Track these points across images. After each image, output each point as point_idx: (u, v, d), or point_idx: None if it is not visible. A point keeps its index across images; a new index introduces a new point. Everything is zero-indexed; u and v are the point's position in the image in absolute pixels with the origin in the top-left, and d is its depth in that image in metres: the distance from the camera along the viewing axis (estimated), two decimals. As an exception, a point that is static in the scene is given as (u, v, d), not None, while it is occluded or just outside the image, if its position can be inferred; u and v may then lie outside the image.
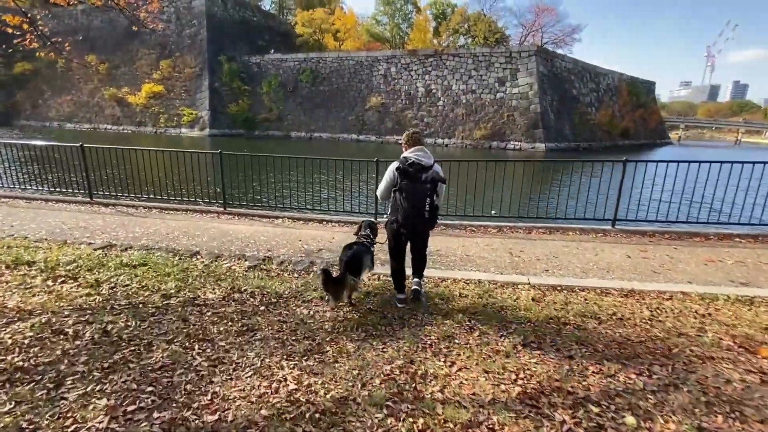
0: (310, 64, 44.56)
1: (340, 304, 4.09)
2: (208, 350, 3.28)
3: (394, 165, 3.87)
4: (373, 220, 5.00)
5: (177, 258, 5.42)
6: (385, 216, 4.94)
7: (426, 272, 4.56)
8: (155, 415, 2.53)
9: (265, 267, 5.19)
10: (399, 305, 4.12)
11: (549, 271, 5.25)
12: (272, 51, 47.85)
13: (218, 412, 2.57)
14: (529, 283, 4.76)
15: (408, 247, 4.26)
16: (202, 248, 5.90)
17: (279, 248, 6.05)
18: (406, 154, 3.92)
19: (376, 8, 53.69)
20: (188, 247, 5.97)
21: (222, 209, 8.17)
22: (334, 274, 3.94)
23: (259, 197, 9.12)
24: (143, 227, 6.98)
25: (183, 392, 2.75)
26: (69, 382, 2.80)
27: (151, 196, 8.67)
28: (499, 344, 3.45)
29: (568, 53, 44.43)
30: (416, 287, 4.25)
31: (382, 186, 4.04)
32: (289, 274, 5.03)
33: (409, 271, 4.46)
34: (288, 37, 54.33)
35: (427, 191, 3.73)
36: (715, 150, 52.75)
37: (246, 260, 5.36)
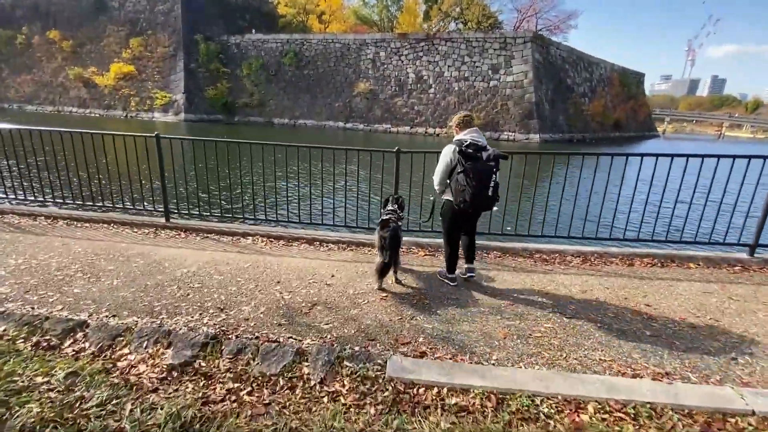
0: (293, 46, 41.06)
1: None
2: None
3: (450, 148, 3.72)
4: (399, 195, 4.47)
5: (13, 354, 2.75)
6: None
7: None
8: None
9: (203, 369, 2.56)
10: (452, 284, 3.99)
11: (736, 360, 2.82)
12: (253, 31, 44.00)
13: None
14: (753, 412, 2.30)
15: None
16: (99, 308, 3.24)
17: (240, 303, 3.44)
18: (460, 136, 3.77)
19: (363, -11, 50.19)
20: (76, 303, 3.29)
21: (163, 221, 5.44)
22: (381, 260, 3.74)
23: (226, 203, 6.36)
24: (26, 254, 4.24)
25: None
26: None
27: (62, 200, 5.82)
28: None
29: (564, 41, 42.15)
30: (471, 273, 4.12)
31: (438, 173, 3.83)
32: (254, 389, 2.42)
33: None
34: (270, 17, 50.31)
35: (493, 169, 3.58)
36: (717, 144, 51.87)
37: (169, 347, 2.71)
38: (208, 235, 5.18)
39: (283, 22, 48.80)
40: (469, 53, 37.13)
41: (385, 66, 38.96)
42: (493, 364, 2.69)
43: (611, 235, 4.87)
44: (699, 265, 4.51)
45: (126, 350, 2.65)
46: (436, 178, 3.82)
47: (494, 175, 3.57)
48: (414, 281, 4.09)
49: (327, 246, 4.97)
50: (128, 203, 5.77)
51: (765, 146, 45.72)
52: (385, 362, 2.58)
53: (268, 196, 7.64)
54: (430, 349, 2.85)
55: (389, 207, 4.21)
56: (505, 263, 4.59)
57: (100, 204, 5.68)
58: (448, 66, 37.67)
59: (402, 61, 38.69)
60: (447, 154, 3.72)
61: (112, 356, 2.62)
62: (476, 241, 4.24)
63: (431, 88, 37.73)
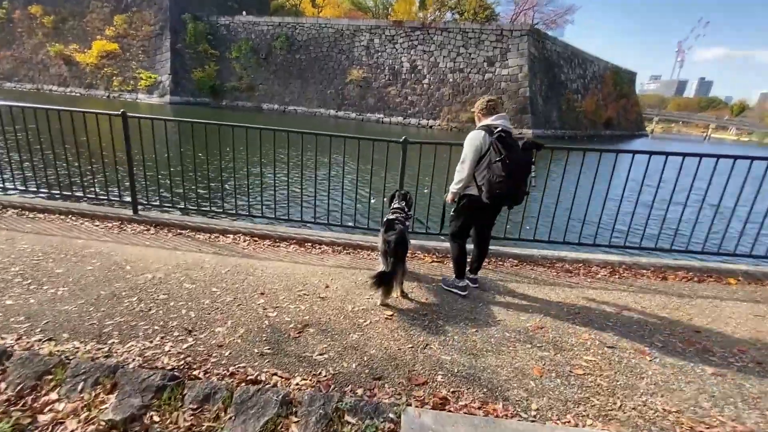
0: (285, 30, 39.60)
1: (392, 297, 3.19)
2: None
3: (480, 134, 3.17)
4: (407, 190, 3.90)
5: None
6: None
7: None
8: None
9: (155, 429, 1.89)
10: (462, 294, 3.44)
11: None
12: (244, 13, 42.29)
13: None
14: None
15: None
16: (33, 328, 2.54)
17: (214, 322, 2.78)
18: (488, 121, 3.22)
19: (358, -26, 48.58)
20: (4, 320, 2.59)
21: (130, 213, 4.69)
22: (383, 268, 3.11)
23: (205, 195, 5.60)
24: (-50, 254, 3.49)
25: None
26: None
27: (13, 185, 5.01)
28: None
29: (559, 36, 41.57)
30: (476, 285, 3.63)
31: (466, 164, 3.21)
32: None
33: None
34: (262, 0, 48.51)
35: (531, 159, 3.17)
36: (705, 145, 52.22)
37: (113, 392, 2.03)
38: (182, 231, 4.47)
39: (275, 5, 47.09)
40: (464, 44, 36.37)
41: (379, 54, 37.91)
42: (534, 418, 2.10)
43: (641, 244, 4.29)
44: (739, 280, 3.99)
45: (54, 395, 1.98)
46: (463, 169, 3.23)
47: (534, 165, 3.18)
48: (422, 294, 3.47)
49: (320, 248, 4.31)
50: (90, 191, 4.98)
51: (755, 148, 46.30)
52: (399, 416, 1.97)
53: (253, 188, 6.84)
54: (453, 392, 2.24)
55: (395, 204, 3.67)
56: (523, 273, 4.00)
57: (57, 192, 4.87)
58: (443, 56, 36.87)
59: (396, 50, 37.70)
60: (475, 139, 3.18)
61: (34, 404, 1.94)
62: (488, 248, 3.67)
63: (425, 79, 36.90)
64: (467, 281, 3.57)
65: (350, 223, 4.59)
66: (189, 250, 4.04)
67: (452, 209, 3.46)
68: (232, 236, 4.42)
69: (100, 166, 5.07)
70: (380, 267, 3.19)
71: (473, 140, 3.18)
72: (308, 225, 4.81)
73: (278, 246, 4.30)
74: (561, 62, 40.07)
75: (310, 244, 4.37)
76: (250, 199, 4.90)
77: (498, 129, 3.12)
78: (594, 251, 4.52)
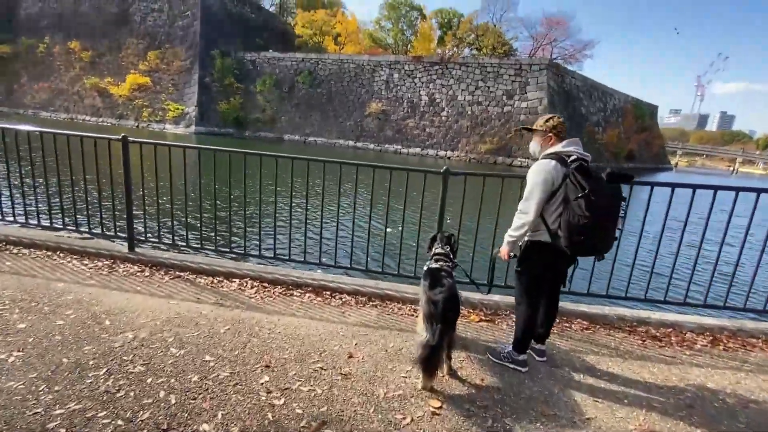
0: (308, 65, 40.65)
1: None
2: None
3: (550, 164, 2.42)
4: (450, 232, 3.10)
5: None
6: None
7: None
8: None
9: None
10: (522, 370, 2.66)
11: None
12: (270, 51, 43.79)
13: None
14: None
15: None
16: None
17: (199, 414, 2.02)
18: (560, 148, 2.48)
19: (380, 13, 50.16)
20: None
21: (126, 250, 4.05)
22: (426, 338, 2.31)
23: (210, 230, 4.96)
24: None
25: None
26: None
27: (4, 213, 4.46)
28: None
29: (578, 70, 41.39)
30: (543, 358, 2.83)
31: (533, 201, 2.44)
32: None
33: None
34: (287, 37, 50.35)
35: (620, 194, 2.39)
36: (733, 178, 50.31)
37: None
38: (181, 273, 3.78)
39: (299, 42, 48.70)
40: (483, 78, 36.49)
41: (398, 87, 38.32)
42: None
43: (747, 304, 3.37)
44: None
45: None
46: (528, 210, 2.48)
47: (622, 202, 2.40)
48: (474, 370, 2.64)
49: (340, 298, 3.55)
50: (84, 224, 4.38)
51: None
52: None
53: (265, 225, 6.30)
54: None
55: (437, 249, 2.95)
56: (599, 340, 3.13)
57: (48, 223, 4.30)
58: (462, 90, 36.98)
59: (415, 84, 38.06)
60: (544, 171, 2.43)
61: None
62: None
63: (444, 111, 36.89)
64: (530, 353, 2.74)
65: (376, 268, 3.81)
66: (186, 298, 3.34)
67: (516, 263, 2.67)
68: (238, 281, 3.70)
69: (99, 195, 4.52)
70: (422, 335, 2.40)
71: (542, 172, 2.43)
72: (327, 268, 4.07)
73: (291, 294, 3.56)
74: (581, 95, 39.70)
75: (328, 292, 3.61)
76: (262, 236, 4.22)
77: (572, 158, 2.43)
78: (682, 310, 3.62)
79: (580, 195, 2.26)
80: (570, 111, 37.74)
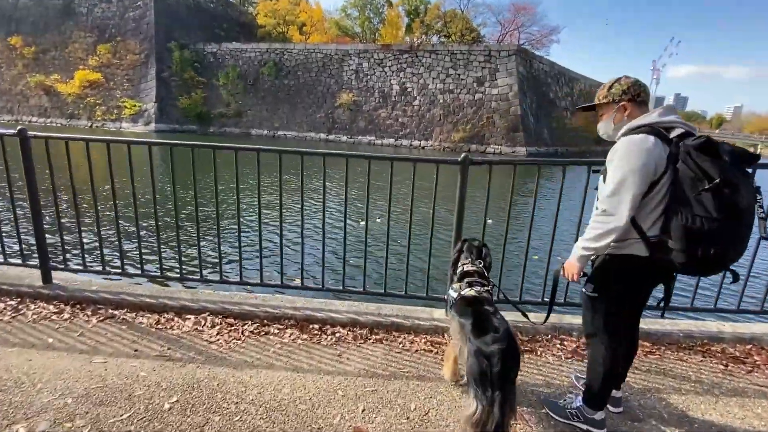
0: (273, 56, 38.73)
1: None
2: None
3: (647, 142, 1.61)
4: (481, 241, 2.34)
5: None
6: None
7: None
8: None
9: None
10: None
11: None
12: (232, 42, 41.43)
13: None
14: None
15: None
16: None
17: None
18: (656, 118, 1.69)
19: (345, 0, 48.44)
20: None
21: (39, 282, 3.00)
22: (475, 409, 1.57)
23: (149, 254, 3.92)
24: None
25: None
26: None
27: None
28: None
29: (545, 55, 41.55)
30: (618, 408, 2.08)
31: (625, 197, 1.63)
32: None
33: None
34: (249, 28, 47.87)
35: (755, 185, 1.58)
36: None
37: None
38: (116, 312, 2.79)
39: (262, 32, 46.41)
40: (453, 65, 35.92)
41: (369, 77, 37.19)
42: None
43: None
44: None
45: None
46: (618, 208, 1.65)
47: (759, 196, 1.58)
48: (536, 441, 1.85)
49: (334, 333, 2.68)
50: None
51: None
52: None
53: (226, 238, 5.27)
54: None
55: (467, 266, 2.17)
56: (670, 368, 2.42)
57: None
58: (433, 78, 36.31)
59: (386, 73, 37.05)
60: (643, 152, 1.61)
61: None
62: None
63: (416, 100, 36.12)
64: (608, 408, 1.99)
65: (376, 288, 2.96)
66: (118, 352, 2.38)
67: (586, 284, 1.89)
68: (193, 318, 2.76)
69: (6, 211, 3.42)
70: (473, 406, 1.58)
71: (639, 153, 1.61)
72: (312, 293, 3.18)
73: (266, 333, 2.66)
74: (549, 81, 39.89)
75: (317, 326, 2.73)
76: (226, 255, 3.27)
77: (677, 132, 1.64)
78: (743, 317, 2.98)
79: (706, 187, 1.48)
80: (539, 96, 37.83)
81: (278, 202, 2.98)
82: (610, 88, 1.85)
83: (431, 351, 2.57)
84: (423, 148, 34.56)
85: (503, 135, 33.77)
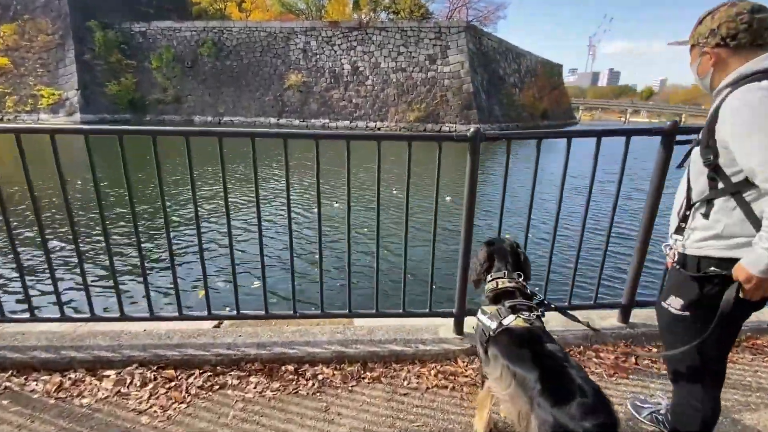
0: (211, 35, 35.67)
1: None
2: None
3: None
4: (512, 239, 1.73)
5: None
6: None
7: None
8: None
9: None
10: None
11: None
12: (164, 21, 37.55)
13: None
14: None
15: None
16: None
17: None
18: None
19: (286, -24, 45.42)
20: None
21: None
22: None
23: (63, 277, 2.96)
24: None
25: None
26: None
27: None
28: None
29: (493, 32, 41.70)
30: None
31: None
32: None
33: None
34: (181, 4, 43.73)
35: None
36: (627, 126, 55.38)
37: None
38: (-6, 379, 1.92)
39: (197, 9, 42.60)
40: (404, 43, 35.08)
41: (318, 56, 35.42)
42: None
43: None
44: None
45: None
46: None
47: None
48: None
49: (315, 376, 1.99)
50: None
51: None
52: None
53: (155, 252, 4.39)
54: None
55: (500, 279, 1.59)
56: (739, 380, 1.99)
57: None
58: (384, 56, 35.30)
59: (335, 51, 35.45)
60: None
61: None
62: None
63: (368, 80, 35.01)
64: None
65: (364, 307, 2.29)
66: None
67: (675, 300, 1.33)
68: (114, 375, 1.95)
69: None
70: None
71: None
72: (280, 319, 2.44)
73: (222, 387, 1.92)
74: (498, 57, 40.18)
75: (291, 367, 2.03)
76: (157, 276, 2.44)
77: None
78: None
79: None
80: (489, 73, 38.06)
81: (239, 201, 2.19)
82: (699, 23, 1.28)
83: (446, 387, 1.97)
84: (379, 129, 33.75)
85: (457, 113, 33.72)
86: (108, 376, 1.96)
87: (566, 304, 2.29)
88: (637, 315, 2.41)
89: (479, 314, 1.57)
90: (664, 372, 2.09)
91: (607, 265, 2.33)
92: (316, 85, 34.78)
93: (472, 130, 1.95)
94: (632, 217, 8.08)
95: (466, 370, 2.08)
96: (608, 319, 2.39)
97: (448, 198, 10.70)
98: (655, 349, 2.27)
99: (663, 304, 1.39)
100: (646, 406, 1.77)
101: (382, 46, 34.92)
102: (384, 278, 4.42)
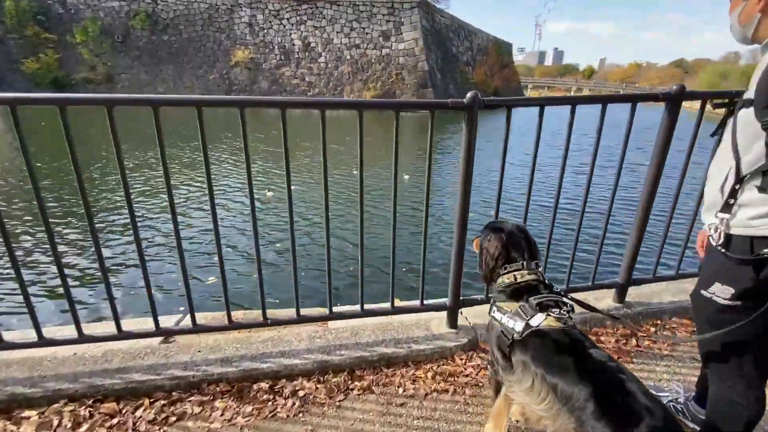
0: (144, 6, 32.42)
1: None
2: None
3: None
4: (517, 222, 1.46)
5: None
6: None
7: None
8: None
9: None
10: None
11: None
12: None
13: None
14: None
15: None
16: None
17: None
18: None
19: (225, -58, 41.73)
20: None
21: None
22: None
23: None
24: None
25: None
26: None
27: None
28: None
29: (445, 8, 41.35)
30: None
31: None
32: None
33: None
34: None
35: None
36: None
37: None
38: None
39: (125, -23, 38.24)
40: (357, 18, 33.96)
41: (266, 31, 33.43)
42: None
43: None
44: None
45: None
46: None
47: None
48: None
49: (295, 393, 1.68)
50: None
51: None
52: None
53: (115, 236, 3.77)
54: None
55: (521, 273, 1.33)
56: None
57: None
58: (337, 32, 34.02)
59: (284, 26, 33.62)
60: None
61: None
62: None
63: (321, 57, 33.67)
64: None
65: (350, 309, 2.00)
66: None
67: (726, 290, 1.15)
68: (36, 417, 1.52)
69: None
70: None
71: None
72: (250, 328, 2.08)
73: (181, 417, 1.56)
74: (451, 35, 40.12)
75: (265, 385, 1.71)
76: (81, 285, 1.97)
77: None
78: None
79: None
80: (443, 51, 37.96)
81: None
82: None
83: (446, 391, 1.74)
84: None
85: (413, 92, 33.45)
86: (28, 419, 1.53)
87: (564, 286, 2.13)
88: (630, 293, 2.32)
89: (494, 312, 1.33)
90: (666, 353, 2.00)
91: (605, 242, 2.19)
92: (266, 62, 32.92)
93: (469, 96, 1.67)
94: (630, 192, 8.17)
95: (465, 369, 1.87)
96: (604, 300, 2.27)
97: (406, 176, 10.44)
98: (652, 329, 2.18)
99: (704, 293, 1.21)
100: (663, 394, 1.65)
101: (334, 21, 33.55)
102: (367, 271, 4.15)
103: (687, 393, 1.63)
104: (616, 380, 0.99)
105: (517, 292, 1.30)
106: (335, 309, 1.97)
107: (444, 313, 2.04)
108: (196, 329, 1.83)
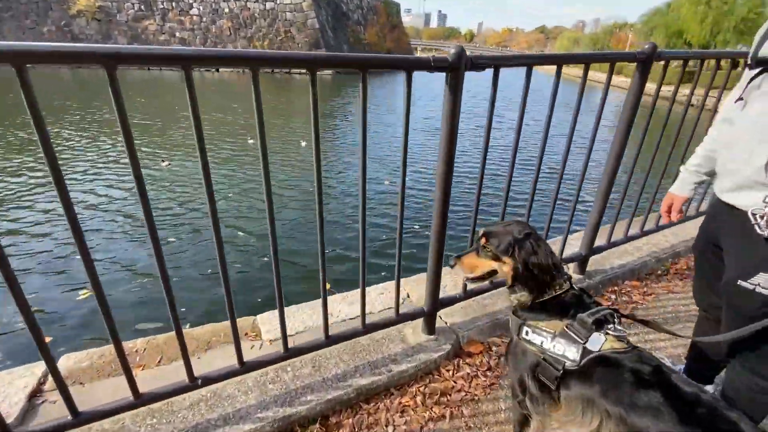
0: None
1: None
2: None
3: None
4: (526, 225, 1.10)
5: None
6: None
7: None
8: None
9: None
10: None
11: None
12: None
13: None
14: None
15: None
16: None
17: None
18: None
19: None
20: None
21: None
22: None
23: None
24: None
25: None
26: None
27: None
28: None
29: (330, -39, 38.76)
30: None
31: None
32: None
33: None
34: None
35: None
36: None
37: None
38: None
39: None
40: (232, -36, 30.05)
41: (115, -27, 27.57)
42: None
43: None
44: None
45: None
46: None
47: None
48: None
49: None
50: None
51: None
52: None
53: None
54: None
55: (562, 285, 1.06)
56: None
57: None
58: (209, -20, 29.76)
59: (140, -32, 28.15)
60: None
61: None
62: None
63: (193, 9, 29.19)
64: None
65: (311, 341, 1.53)
66: None
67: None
68: None
69: None
70: None
71: None
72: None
73: None
74: (340, -9, 38.16)
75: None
76: None
77: None
78: None
79: None
80: (333, 8, 36.03)
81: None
82: None
83: (443, 417, 1.45)
84: (218, 70, 28.98)
85: (305, 52, 31.46)
86: None
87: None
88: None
89: (528, 335, 1.04)
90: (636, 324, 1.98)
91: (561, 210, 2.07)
92: (120, 13, 27.32)
93: (453, 52, 1.27)
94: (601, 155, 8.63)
95: (455, 383, 1.59)
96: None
97: (303, 143, 9.70)
98: (613, 296, 2.18)
99: (744, 284, 1.07)
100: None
101: (204, -35, 29.09)
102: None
103: (677, 366, 1.60)
104: (726, 422, 0.78)
105: (561, 307, 1.02)
106: (290, 344, 1.48)
107: (419, 319, 1.72)
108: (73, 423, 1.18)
